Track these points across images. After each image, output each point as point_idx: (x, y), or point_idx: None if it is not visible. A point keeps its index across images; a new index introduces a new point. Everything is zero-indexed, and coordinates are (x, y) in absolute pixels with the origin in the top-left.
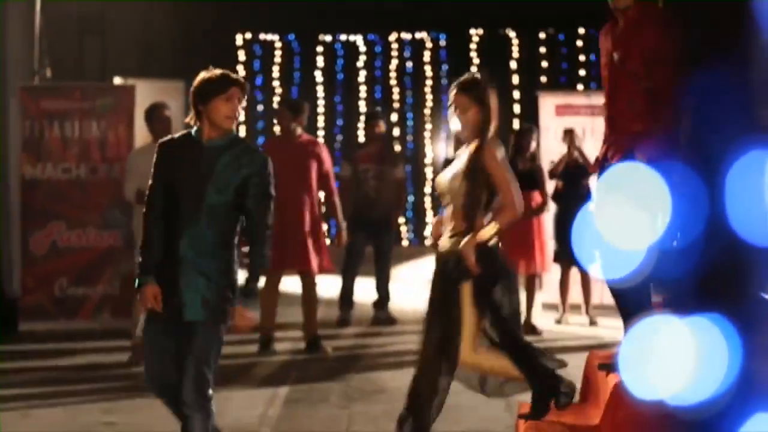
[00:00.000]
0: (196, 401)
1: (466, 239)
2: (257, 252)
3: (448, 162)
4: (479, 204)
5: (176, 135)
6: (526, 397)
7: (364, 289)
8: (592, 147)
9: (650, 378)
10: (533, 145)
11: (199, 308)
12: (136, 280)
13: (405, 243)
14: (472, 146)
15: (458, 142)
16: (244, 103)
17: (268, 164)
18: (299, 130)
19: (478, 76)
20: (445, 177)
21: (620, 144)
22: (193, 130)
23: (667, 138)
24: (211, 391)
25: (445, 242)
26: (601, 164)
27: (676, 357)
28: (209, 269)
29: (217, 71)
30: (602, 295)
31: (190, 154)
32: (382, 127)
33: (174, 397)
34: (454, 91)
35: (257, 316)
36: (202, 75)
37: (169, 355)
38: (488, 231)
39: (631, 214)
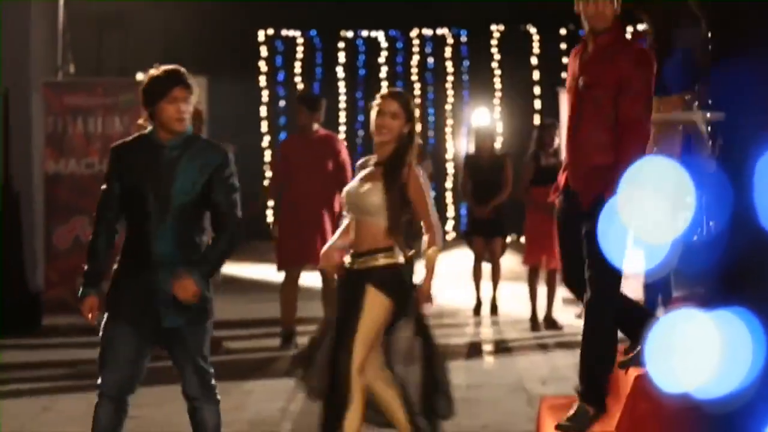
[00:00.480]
0: (202, 394)
1: (424, 274)
2: (224, 240)
3: (470, 158)
4: (400, 221)
5: (129, 138)
6: (547, 391)
7: None
8: None
9: (675, 371)
10: (556, 140)
11: (180, 313)
12: (80, 289)
13: None
14: (389, 160)
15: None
16: (193, 100)
17: (230, 157)
18: (316, 126)
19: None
20: (359, 190)
21: (581, 174)
22: (148, 131)
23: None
24: (214, 380)
25: (360, 259)
26: (563, 191)
27: (701, 350)
28: (185, 270)
29: (164, 70)
30: (623, 290)
31: (150, 157)
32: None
33: (124, 401)
34: (386, 97)
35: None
36: (149, 74)
37: (131, 362)
38: (433, 256)
39: (657, 207)
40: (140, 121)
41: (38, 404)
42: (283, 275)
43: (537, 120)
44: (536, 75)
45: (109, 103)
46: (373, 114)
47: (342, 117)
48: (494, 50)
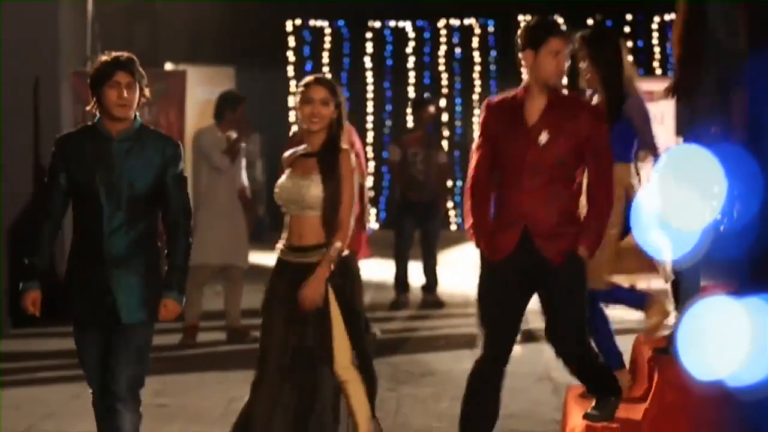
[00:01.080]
0: (130, 399)
1: (317, 270)
2: (183, 240)
3: None
4: (338, 214)
5: (73, 130)
6: (574, 380)
7: (413, 273)
8: None
9: (706, 359)
10: None
11: (138, 309)
12: (21, 284)
13: (453, 227)
14: (323, 149)
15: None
16: (140, 87)
17: (180, 148)
18: None
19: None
20: (298, 183)
21: (545, 232)
22: (95, 121)
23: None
24: (142, 390)
25: (304, 253)
26: (516, 249)
27: (732, 338)
28: (139, 266)
29: (112, 56)
30: (650, 280)
31: (98, 149)
32: (431, 111)
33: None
34: (312, 84)
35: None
36: (97, 60)
37: (100, 362)
38: (333, 254)
39: (688, 195)
40: (89, 108)
41: (68, 391)
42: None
43: None
44: None
45: None
46: (299, 103)
47: (369, 107)
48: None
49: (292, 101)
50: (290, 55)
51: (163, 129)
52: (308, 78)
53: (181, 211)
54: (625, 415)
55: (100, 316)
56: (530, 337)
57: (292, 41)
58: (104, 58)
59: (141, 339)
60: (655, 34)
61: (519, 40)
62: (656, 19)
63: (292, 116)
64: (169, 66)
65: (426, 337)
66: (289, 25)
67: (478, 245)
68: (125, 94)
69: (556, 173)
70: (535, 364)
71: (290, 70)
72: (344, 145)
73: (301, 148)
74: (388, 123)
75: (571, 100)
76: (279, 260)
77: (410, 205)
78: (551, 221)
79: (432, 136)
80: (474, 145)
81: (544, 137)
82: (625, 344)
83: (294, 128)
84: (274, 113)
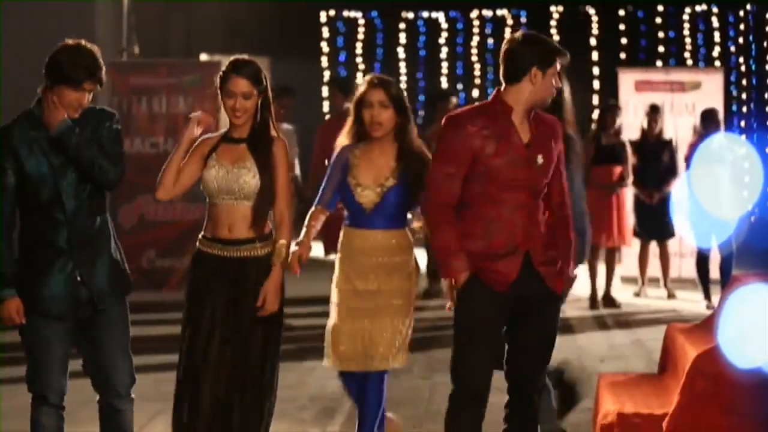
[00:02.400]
0: (129, 393)
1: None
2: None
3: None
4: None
5: (12, 122)
6: (606, 369)
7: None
8: (671, 123)
9: (746, 346)
10: (618, 121)
11: (110, 292)
12: None
13: None
14: (253, 135)
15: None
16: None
17: (115, 118)
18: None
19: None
20: (230, 171)
21: (545, 259)
22: (33, 108)
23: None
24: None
25: (239, 246)
26: (518, 278)
27: None
28: (102, 249)
29: (81, 49)
30: (680, 269)
31: (46, 138)
32: (454, 103)
33: (63, 406)
34: (234, 77)
35: None
36: (62, 46)
37: (65, 363)
38: (282, 252)
39: (725, 185)
40: (40, 90)
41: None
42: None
43: (595, 100)
44: (595, 55)
45: (173, 83)
46: (222, 96)
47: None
48: (553, 31)
49: (325, 91)
50: (324, 46)
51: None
52: (225, 67)
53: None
54: (656, 403)
55: (68, 310)
56: (563, 326)
57: (326, 32)
58: (70, 50)
59: (121, 323)
60: (686, 25)
61: (519, 56)
62: (687, 9)
63: (325, 106)
64: (204, 57)
65: (444, 326)
66: (323, 16)
67: (457, 277)
68: (85, 99)
69: (543, 194)
70: (567, 353)
71: (324, 61)
72: (274, 133)
73: (219, 133)
74: (421, 113)
75: (546, 116)
76: (202, 252)
77: None
78: (545, 245)
79: None
80: (440, 164)
81: (540, 158)
82: (656, 334)
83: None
84: (307, 103)
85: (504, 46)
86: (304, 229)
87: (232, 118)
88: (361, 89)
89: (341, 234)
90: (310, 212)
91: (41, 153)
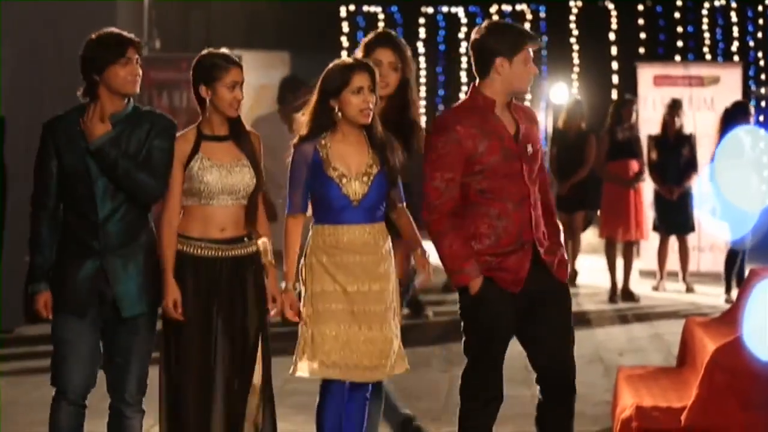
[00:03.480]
0: (138, 402)
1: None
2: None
3: (558, 133)
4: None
5: (60, 116)
6: (624, 362)
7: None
8: (689, 118)
9: (766, 338)
10: (633, 115)
11: (138, 301)
12: (29, 287)
13: None
14: (235, 131)
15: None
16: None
17: (173, 128)
18: None
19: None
20: (230, 171)
21: (552, 247)
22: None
23: None
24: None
25: (233, 245)
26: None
27: None
28: (137, 256)
29: (103, 32)
30: (699, 263)
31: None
32: None
33: (85, 404)
34: (233, 68)
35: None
36: (87, 41)
37: (93, 361)
38: (265, 249)
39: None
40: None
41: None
42: None
43: (614, 95)
44: (614, 50)
45: None
46: (219, 87)
47: (422, 92)
48: (572, 25)
49: None
50: (344, 41)
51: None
52: (233, 60)
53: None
54: (675, 397)
55: (97, 310)
56: (582, 320)
57: (345, 26)
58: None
59: (145, 334)
60: (705, 20)
61: (484, 48)
62: (706, 4)
63: None
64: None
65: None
66: (343, 11)
67: (470, 284)
68: (137, 72)
69: (537, 181)
70: (586, 347)
71: (344, 55)
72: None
73: (186, 133)
74: (441, 107)
75: (522, 105)
76: (189, 256)
77: None
78: (544, 234)
79: None
80: (435, 172)
81: (530, 147)
82: (675, 327)
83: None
84: None
85: (471, 39)
86: (285, 255)
87: (230, 111)
88: (343, 75)
89: (314, 233)
90: (284, 227)
91: (80, 151)
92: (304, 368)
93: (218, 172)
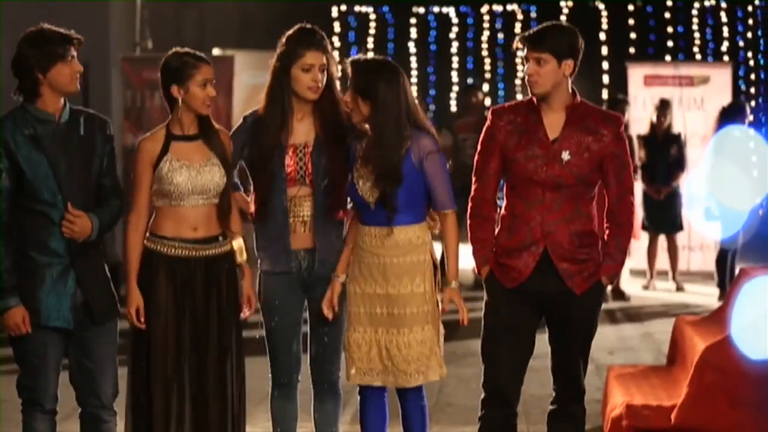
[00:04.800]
0: (112, 405)
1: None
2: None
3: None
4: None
5: (4, 118)
6: (615, 361)
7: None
8: (679, 118)
9: (758, 338)
10: (626, 116)
11: (109, 306)
12: None
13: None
14: (205, 130)
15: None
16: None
17: (110, 128)
18: None
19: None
20: (200, 171)
21: (576, 268)
22: (25, 104)
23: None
24: None
25: (208, 245)
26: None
27: None
28: (100, 260)
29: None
30: (688, 262)
31: (45, 137)
32: (479, 97)
33: (54, 410)
34: (205, 65)
35: None
36: (22, 38)
37: (58, 370)
38: (242, 248)
39: (739, 177)
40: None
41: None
42: None
43: (605, 95)
44: (605, 50)
45: None
46: (194, 87)
47: (414, 92)
48: None
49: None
50: (336, 41)
51: (210, 114)
52: (203, 57)
53: (117, 207)
54: (665, 395)
55: (68, 316)
56: None
57: (337, 27)
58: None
59: (113, 334)
60: (695, 20)
61: (542, 42)
62: (696, 5)
63: None
64: (216, 51)
65: (471, 318)
66: (334, 11)
67: (480, 271)
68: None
69: (578, 191)
70: None
71: (336, 55)
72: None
73: (154, 133)
74: (432, 108)
75: (593, 110)
76: (161, 255)
77: (463, 189)
78: (572, 243)
79: (482, 122)
80: (477, 157)
81: (566, 154)
82: (665, 326)
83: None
84: None
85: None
86: (344, 251)
87: (203, 109)
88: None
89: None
90: (347, 223)
91: (39, 151)
92: (347, 374)
93: (188, 173)
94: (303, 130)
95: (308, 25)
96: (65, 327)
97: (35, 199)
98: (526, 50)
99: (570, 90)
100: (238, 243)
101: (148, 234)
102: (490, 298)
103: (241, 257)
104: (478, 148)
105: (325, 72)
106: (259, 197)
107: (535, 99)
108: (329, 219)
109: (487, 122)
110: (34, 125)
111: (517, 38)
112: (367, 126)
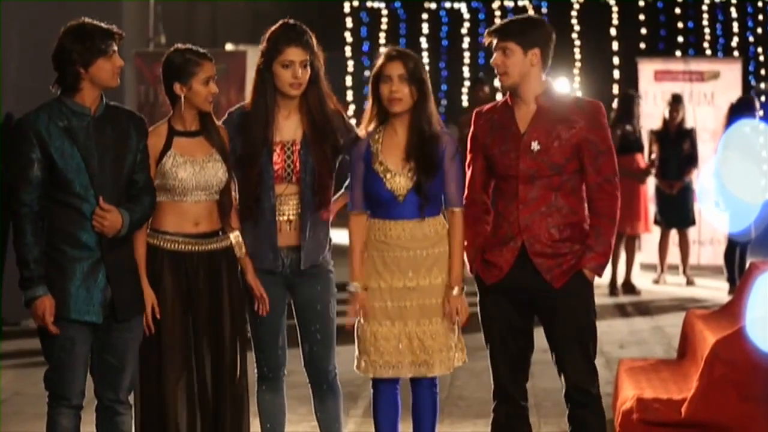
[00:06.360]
0: (128, 399)
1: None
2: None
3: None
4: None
5: (38, 110)
6: (625, 355)
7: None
8: (689, 113)
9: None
10: (636, 111)
11: (136, 303)
12: (24, 294)
13: None
14: (206, 127)
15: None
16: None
17: (144, 127)
18: None
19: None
20: (204, 167)
21: (554, 263)
22: (59, 97)
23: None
24: None
25: (208, 240)
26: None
27: None
28: (130, 256)
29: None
30: (699, 256)
31: (79, 130)
32: (486, 91)
33: (80, 405)
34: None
35: None
36: (63, 34)
37: (87, 365)
38: (240, 242)
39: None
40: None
41: None
42: None
43: (616, 90)
44: (615, 45)
45: None
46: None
47: None
48: (574, 21)
49: (350, 81)
50: (348, 36)
51: (223, 109)
52: (205, 54)
53: (149, 205)
54: (675, 389)
55: (98, 310)
56: None
57: (349, 22)
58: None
59: (137, 332)
60: (705, 15)
61: (529, 33)
62: (706, 0)
63: (349, 95)
64: (229, 47)
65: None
66: (346, 7)
67: (471, 269)
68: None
69: (553, 182)
70: None
71: (348, 51)
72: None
73: (161, 124)
74: (444, 103)
75: (566, 99)
76: (163, 250)
77: None
78: (551, 237)
79: None
80: (467, 160)
81: (535, 144)
82: (676, 320)
83: (351, 108)
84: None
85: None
86: (352, 257)
87: (205, 106)
88: (378, 63)
89: (368, 228)
90: (349, 225)
91: (72, 144)
92: (360, 365)
93: (192, 168)
94: (290, 128)
95: (291, 21)
96: (95, 321)
97: (67, 191)
98: (494, 42)
99: (542, 81)
100: (236, 237)
101: (148, 230)
102: (480, 297)
103: (240, 251)
104: (468, 153)
105: (308, 68)
106: (245, 194)
107: (509, 95)
108: (315, 217)
109: (472, 125)
110: (69, 117)
111: (486, 31)
112: (366, 126)
